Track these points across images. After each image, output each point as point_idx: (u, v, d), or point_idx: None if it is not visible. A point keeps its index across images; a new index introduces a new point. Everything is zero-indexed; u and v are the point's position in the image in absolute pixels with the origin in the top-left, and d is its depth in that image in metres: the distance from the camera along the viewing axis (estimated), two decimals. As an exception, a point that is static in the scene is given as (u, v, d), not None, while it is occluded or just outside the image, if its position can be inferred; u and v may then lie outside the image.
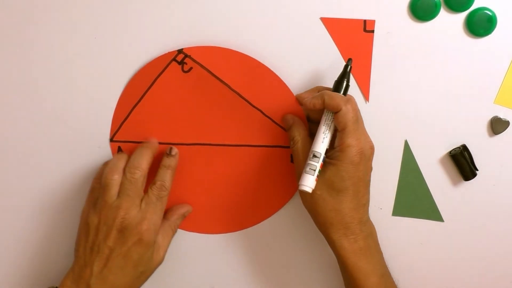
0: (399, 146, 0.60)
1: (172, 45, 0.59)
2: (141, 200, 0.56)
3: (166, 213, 0.60)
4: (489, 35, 0.58)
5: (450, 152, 0.60)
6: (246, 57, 0.59)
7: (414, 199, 0.61)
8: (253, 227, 0.62)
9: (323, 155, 0.54)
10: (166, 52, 0.59)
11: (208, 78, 0.60)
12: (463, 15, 0.58)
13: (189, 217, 0.61)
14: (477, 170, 0.60)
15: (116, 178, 0.56)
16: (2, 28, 0.59)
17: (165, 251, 0.58)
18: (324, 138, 0.55)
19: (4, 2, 0.59)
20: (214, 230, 0.62)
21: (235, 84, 0.60)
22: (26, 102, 0.60)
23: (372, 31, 0.59)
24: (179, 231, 0.62)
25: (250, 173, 0.61)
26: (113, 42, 0.59)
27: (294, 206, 0.61)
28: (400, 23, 0.58)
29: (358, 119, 0.54)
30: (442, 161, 0.61)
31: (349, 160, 0.54)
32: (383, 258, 0.57)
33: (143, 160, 0.57)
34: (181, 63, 0.59)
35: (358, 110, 0.55)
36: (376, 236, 0.58)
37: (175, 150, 0.59)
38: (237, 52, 0.59)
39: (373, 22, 0.58)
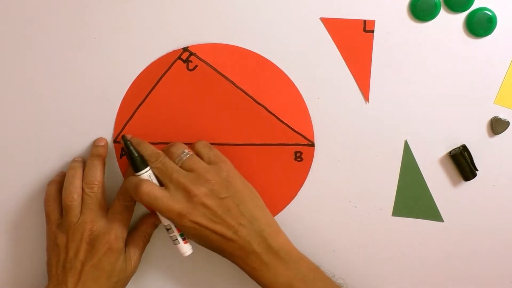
0: (399, 146, 0.60)
1: (176, 44, 0.59)
2: (107, 211, 0.58)
3: (137, 223, 0.60)
4: (489, 35, 0.58)
5: (450, 152, 0.60)
6: (251, 53, 0.59)
7: (414, 199, 0.61)
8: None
9: (171, 223, 0.56)
10: (171, 50, 0.59)
11: (213, 76, 0.60)
12: (463, 15, 0.58)
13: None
14: (477, 170, 0.60)
15: (76, 198, 0.57)
16: (4, 28, 0.59)
17: (138, 260, 0.59)
18: None
19: (6, 3, 0.59)
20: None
21: (240, 81, 0.60)
22: (28, 102, 0.60)
23: (372, 31, 0.59)
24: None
25: (254, 172, 0.61)
26: (117, 41, 0.59)
27: (298, 205, 0.61)
28: (400, 23, 0.58)
29: (156, 196, 0.54)
30: (442, 161, 0.61)
31: (186, 229, 0.55)
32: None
33: (98, 172, 0.58)
34: (186, 61, 0.60)
35: (165, 169, 0.55)
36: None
37: None
38: (243, 48, 0.59)
39: (373, 22, 0.59)
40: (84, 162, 0.60)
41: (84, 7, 0.59)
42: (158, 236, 0.62)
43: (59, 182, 0.59)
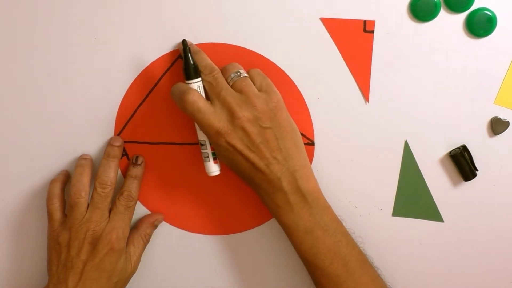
0: (399, 146, 0.60)
1: (176, 43, 0.59)
2: (109, 211, 0.58)
3: (136, 223, 0.61)
4: (489, 36, 0.58)
5: (450, 152, 0.60)
6: (252, 53, 0.59)
7: (414, 199, 0.61)
8: (257, 226, 0.62)
9: (206, 140, 0.56)
10: (171, 50, 0.59)
11: (214, 75, 0.60)
12: (463, 15, 0.58)
13: (192, 218, 0.62)
14: (477, 170, 0.60)
15: (83, 196, 0.57)
16: (4, 29, 0.59)
17: (138, 260, 0.59)
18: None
19: (6, 3, 0.59)
20: (218, 231, 0.62)
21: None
22: (28, 102, 0.60)
23: (372, 32, 0.59)
24: (180, 231, 0.62)
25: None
26: (117, 41, 0.59)
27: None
28: (400, 24, 0.58)
29: (200, 108, 0.53)
30: (442, 161, 0.61)
31: (219, 148, 0.54)
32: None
33: (112, 173, 0.58)
34: (187, 60, 0.60)
35: (216, 84, 0.54)
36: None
37: (141, 159, 0.60)
38: (243, 48, 0.59)
39: (373, 22, 0.59)
40: (91, 160, 0.60)
41: (84, 7, 0.59)
42: (158, 236, 0.62)
43: (62, 181, 0.59)
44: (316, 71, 0.59)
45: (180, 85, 0.55)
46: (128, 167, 0.60)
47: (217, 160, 0.57)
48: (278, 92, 0.56)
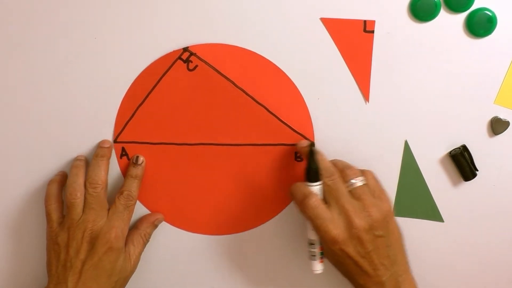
0: (399, 146, 0.60)
1: (177, 44, 0.59)
2: (108, 210, 0.58)
3: (136, 222, 0.61)
4: (489, 36, 0.58)
5: (450, 152, 0.60)
6: (252, 53, 0.59)
7: (414, 199, 0.61)
8: (257, 227, 0.62)
9: (317, 240, 0.57)
10: (171, 50, 0.59)
11: (213, 75, 0.60)
12: (463, 15, 0.58)
13: (192, 218, 0.62)
14: (477, 170, 0.60)
15: (79, 196, 0.57)
16: (4, 28, 0.59)
17: (137, 259, 0.59)
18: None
19: (6, 3, 0.59)
20: (218, 231, 0.62)
21: (241, 81, 0.60)
22: (28, 102, 0.60)
23: (372, 32, 0.59)
24: (181, 231, 0.62)
25: (254, 172, 0.61)
26: (117, 41, 0.59)
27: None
28: (400, 24, 0.58)
29: (319, 215, 0.54)
30: (442, 161, 0.61)
31: (330, 252, 0.56)
32: None
33: (102, 172, 0.58)
34: (187, 61, 0.60)
35: (335, 189, 0.55)
36: None
37: (141, 159, 0.60)
38: (243, 48, 0.59)
39: (373, 22, 0.59)
40: (87, 160, 0.60)
41: (84, 7, 0.59)
42: (158, 236, 0.62)
43: (60, 182, 0.60)
44: (316, 71, 0.59)
45: (302, 187, 0.56)
46: (128, 167, 0.60)
47: (323, 260, 0.58)
48: (389, 198, 0.58)
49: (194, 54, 0.59)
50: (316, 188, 0.56)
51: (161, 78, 0.60)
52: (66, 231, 0.57)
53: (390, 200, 0.58)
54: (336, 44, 0.59)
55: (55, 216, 0.58)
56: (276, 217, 0.62)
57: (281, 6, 0.59)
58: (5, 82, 0.60)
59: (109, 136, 0.61)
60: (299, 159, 0.61)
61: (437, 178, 0.61)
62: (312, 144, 0.57)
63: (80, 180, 0.58)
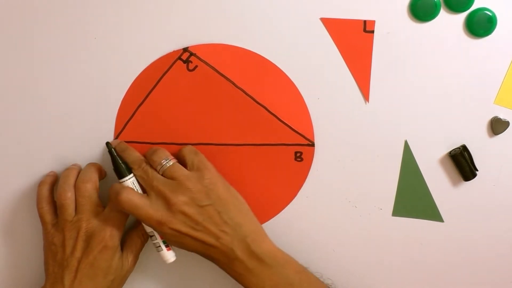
0: (399, 146, 0.60)
1: (177, 44, 0.59)
2: (103, 208, 0.58)
3: (135, 221, 0.61)
4: (489, 36, 0.58)
5: (450, 152, 0.60)
6: (252, 53, 0.59)
7: (414, 199, 0.61)
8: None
9: (154, 231, 0.57)
10: (171, 51, 0.59)
11: (213, 76, 0.60)
12: (463, 15, 0.58)
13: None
14: (477, 170, 0.60)
15: (70, 197, 0.57)
16: (4, 28, 0.59)
17: (135, 259, 0.59)
18: None
19: (6, 3, 0.59)
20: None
21: (240, 81, 0.60)
22: (27, 102, 0.60)
23: (372, 32, 0.59)
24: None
25: (254, 172, 0.61)
26: (117, 41, 0.59)
27: (298, 205, 0.61)
28: (400, 24, 0.58)
29: (136, 205, 0.54)
30: (442, 161, 0.61)
31: (166, 236, 0.56)
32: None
33: (92, 173, 0.58)
34: (186, 61, 0.60)
35: (147, 177, 0.56)
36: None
37: None
38: (243, 48, 0.59)
39: (373, 22, 0.59)
40: (80, 168, 0.60)
41: (84, 7, 0.59)
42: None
43: (50, 183, 0.60)
44: (316, 71, 0.59)
45: (114, 186, 0.56)
46: None
47: (170, 247, 0.58)
48: (211, 166, 0.58)
49: (194, 55, 0.59)
50: (129, 182, 0.56)
51: (161, 78, 0.60)
52: (61, 231, 0.57)
53: (212, 168, 0.57)
54: (336, 44, 0.59)
55: (48, 218, 0.58)
56: (276, 217, 0.62)
57: (281, 6, 0.59)
58: (5, 82, 0.60)
59: (109, 136, 0.60)
60: (299, 159, 0.61)
61: (437, 178, 0.61)
62: (108, 143, 0.57)
63: (71, 181, 0.58)
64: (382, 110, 0.60)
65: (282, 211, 0.62)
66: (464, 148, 0.60)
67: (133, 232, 0.60)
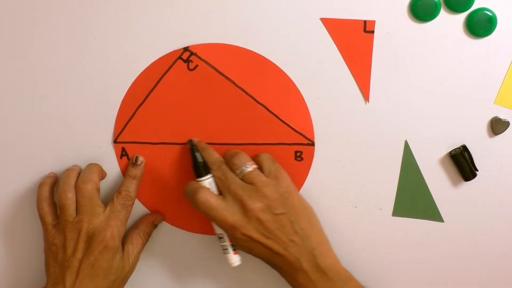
0: (399, 146, 0.60)
1: (177, 43, 0.59)
2: (104, 209, 0.58)
3: (136, 222, 0.61)
4: (489, 36, 0.58)
5: (450, 152, 0.60)
6: (252, 53, 0.59)
7: (414, 199, 0.61)
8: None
9: (224, 233, 0.57)
10: (172, 50, 0.59)
11: (214, 75, 0.60)
12: (463, 15, 0.58)
13: (192, 218, 0.62)
14: (477, 170, 0.60)
15: (70, 197, 0.57)
16: (5, 29, 0.59)
17: (136, 259, 0.59)
18: None
19: (6, 3, 0.59)
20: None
21: (241, 80, 0.60)
22: (27, 102, 0.60)
23: (372, 32, 0.59)
24: (180, 231, 0.62)
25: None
26: (117, 41, 0.59)
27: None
28: (400, 24, 0.58)
29: (212, 206, 0.55)
30: (442, 161, 0.61)
31: (237, 240, 0.56)
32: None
33: (93, 173, 0.58)
34: (187, 61, 0.60)
35: (225, 179, 0.56)
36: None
37: (140, 159, 0.60)
38: (243, 48, 0.59)
39: (373, 22, 0.59)
40: (80, 169, 0.60)
41: (84, 7, 0.59)
42: (158, 236, 0.62)
43: (50, 184, 0.60)
44: (316, 71, 0.59)
45: (191, 184, 0.57)
46: (128, 167, 0.60)
47: (237, 251, 0.58)
48: (287, 175, 0.58)
49: (195, 54, 0.59)
50: (206, 182, 0.56)
51: (161, 78, 0.60)
52: (62, 232, 0.57)
53: (288, 177, 0.57)
54: (336, 44, 0.59)
55: (48, 219, 0.58)
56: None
57: (281, 6, 0.59)
58: (5, 82, 0.60)
59: (109, 135, 0.61)
60: (299, 159, 0.61)
61: (437, 178, 0.61)
62: (191, 140, 0.57)
63: (72, 181, 0.58)
64: (382, 110, 0.60)
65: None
66: (464, 148, 0.60)
67: (134, 232, 0.60)
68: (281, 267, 0.56)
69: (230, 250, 0.58)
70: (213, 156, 0.58)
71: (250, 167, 0.57)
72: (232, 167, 0.57)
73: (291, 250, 0.55)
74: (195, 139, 0.59)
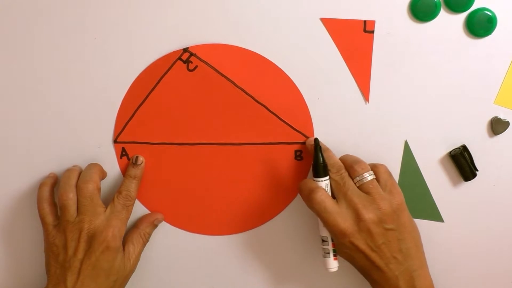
0: (399, 146, 0.60)
1: (177, 44, 0.59)
2: (105, 209, 0.58)
3: (136, 222, 0.61)
4: (489, 36, 0.58)
5: (450, 152, 0.60)
6: (252, 53, 0.59)
7: (414, 199, 0.61)
8: (257, 227, 0.62)
9: (329, 237, 0.57)
10: (171, 51, 0.59)
11: (213, 76, 0.60)
12: (463, 15, 0.58)
13: (192, 218, 0.62)
14: (477, 170, 0.60)
15: (71, 197, 0.57)
16: (5, 29, 0.59)
17: (136, 259, 0.59)
18: None
19: (6, 3, 0.59)
20: (218, 231, 0.62)
21: (241, 81, 0.60)
22: (27, 102, 0.60)
23: (372, 32, 0.59)
24: (180, 231, 0.62)
25: (254, 171, 0.61)
26: (117, 42, 0.59)
27: (298, 204, 0.61)
28: (400, 24, 0.58)
29: (326, 208, 0.54)
30: (442, 161, 0.61)
31: (341, 246, 0.56)
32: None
33: (93, 173, 0.58)
34: (187, 62, 0.60)
35: (343, 184, 0.56)
36: None
37: (140, 160, 0.60)
38: (243, 48, 0.59)
39: (373, 22, 0.59)
40: (81, 169, 0.60)
41: (84, 7, 0.59)
42: (158, 236, 0.62)
43: (51, 184, 0.60)
44: (316, 71, 0.59)
45: (309, 182, 0.57)
46: (128, 167, 0.60)
47: (337, 257, 0.58)
48: (401, 192, 0.57)
49: (194, 55, 0.59)
50: (323, 183, 0.56)
51: (161, 78, 0.60)
52: (63, 232, 0.57)
53: (401, 194, 0.57)
54: (336, 44, 0.59)
55: (49, 219, 0.58)
56: (277, 216, 0.62)
57: (281, 6, 0.59)
58: (5, 82, 0.60)
59: (109, 135, 0.61)
60: (299, 158, 0.61)
61: (437, 178, 0.61)
62: (316, 139, 0.57)
63: (72, 181, 0.58)
64: (382, 110, 0.60)
65: (283, 210, 0.62)
66: (464, 148, 0.60)
67: (135, 232, 0.60)
68: (377, 281, 0.56)
69: (331, 255, 0.57)
70: (333, 159, 0.58)
71: (370, 176, 0.56)
72: (351, 173, 0.57)
73: (392, 266, 0.55)
74: (315, 139, 0.58)
